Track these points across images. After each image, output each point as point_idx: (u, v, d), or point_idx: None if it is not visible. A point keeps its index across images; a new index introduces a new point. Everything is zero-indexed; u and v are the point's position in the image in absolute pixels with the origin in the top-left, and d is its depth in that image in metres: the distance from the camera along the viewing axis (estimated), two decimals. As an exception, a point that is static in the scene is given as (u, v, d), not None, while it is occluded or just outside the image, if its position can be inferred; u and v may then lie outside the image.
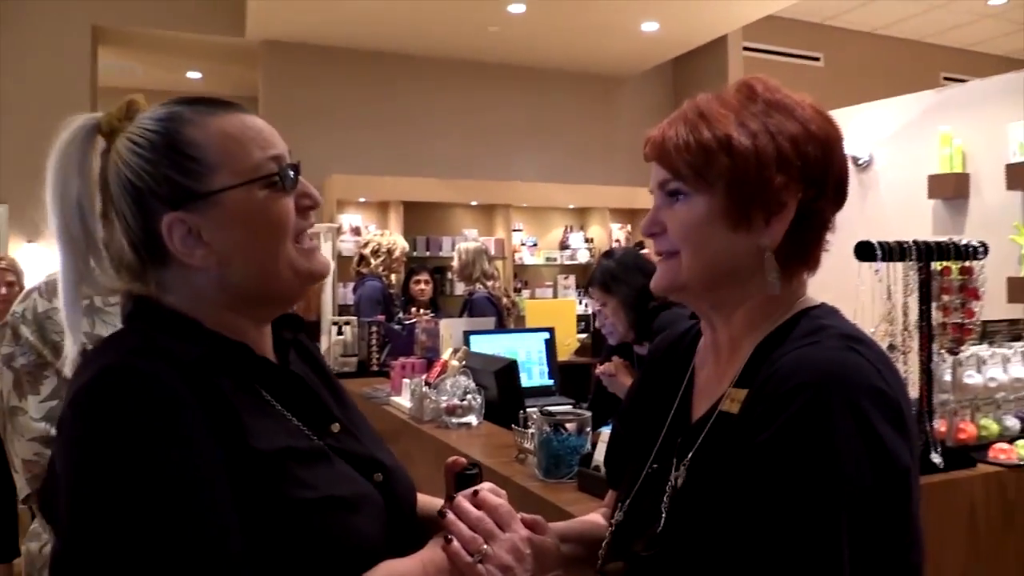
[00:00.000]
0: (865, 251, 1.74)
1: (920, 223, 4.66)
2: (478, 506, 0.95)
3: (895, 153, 4.93)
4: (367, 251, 5.20)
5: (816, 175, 0.92)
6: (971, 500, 1.75)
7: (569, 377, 4.29)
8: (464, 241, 5.70)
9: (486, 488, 0.98)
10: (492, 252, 7.00)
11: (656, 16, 6.08)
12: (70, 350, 0.91)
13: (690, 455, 0.93)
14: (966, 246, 1.86)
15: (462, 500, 0.95)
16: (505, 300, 5.17)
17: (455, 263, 5.18)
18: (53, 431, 1.41)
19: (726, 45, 7.15)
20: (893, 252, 1.74)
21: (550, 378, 3.85)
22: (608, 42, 6.64)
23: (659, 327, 2.22)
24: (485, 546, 0.91)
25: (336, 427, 0.97)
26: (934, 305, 1.83)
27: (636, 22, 6.18)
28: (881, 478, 0.81)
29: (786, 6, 6.18)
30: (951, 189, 4.56)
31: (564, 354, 4.53)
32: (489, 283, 5.02)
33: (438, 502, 1.02)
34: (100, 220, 0.91)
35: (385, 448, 1.05)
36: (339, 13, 5.97)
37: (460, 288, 6.69)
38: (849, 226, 4.15)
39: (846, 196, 0.97)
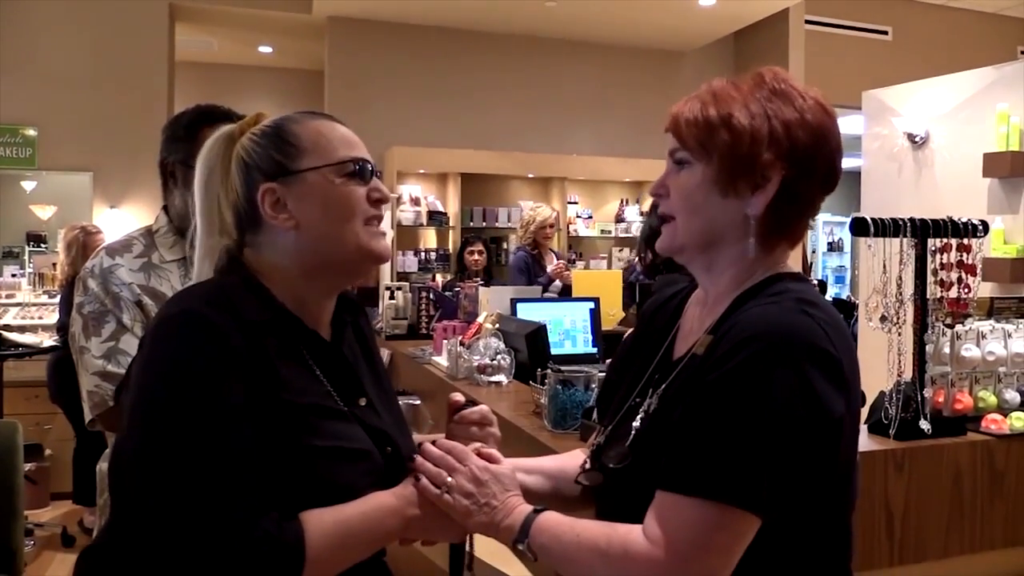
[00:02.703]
0: (860, 226, 1.84)
1: (975, 201, 4.60)
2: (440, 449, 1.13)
3: (952, 130, 4.86)
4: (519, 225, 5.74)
5: (802, 158, 1.05)
6: (957, 466, 1.83)
7: (613, 346, 4.40)
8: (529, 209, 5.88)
9: (482, 409, 1.21)
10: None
11: (713, -9, 6.08)
12: None
13: (663, 387, 1.09)
14: (965, 224, 1.93)
15: (426, 445, 1.13)
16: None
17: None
18: (109, 367, 1.66)
19: (788, 19, 7.07)
20: (887, 228, 1.84)
21: (594, 346, 3.99)
22: (665, 17, 6.65)
23: (656, 288, 2.46)
24: (449, 479, 1.09)
25: (363, 401, 1.15)
26: (931, 280, 1.92)
27: (693, -3, 6.19)
28: (812, 422, 0.94)
29: (850, -21, 6.09)
30: (1007, 168, 4.49)
31: (609, 323, 4.65)
32: None
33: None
34: (225, 204, 1.12)
35: (404, 429, 1.22)
36: (401, -11, 6.15)
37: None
38: (904, 203, 4.23)
39: (836, 182, 1.10)
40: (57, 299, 5.15)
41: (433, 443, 1.14)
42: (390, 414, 1.19)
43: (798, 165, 1.04)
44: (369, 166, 1.13)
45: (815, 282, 2.09)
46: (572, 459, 1.28)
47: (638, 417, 1.10)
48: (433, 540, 1.16)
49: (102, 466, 1.81)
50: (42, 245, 6.43)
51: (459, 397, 1.24)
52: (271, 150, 1.11)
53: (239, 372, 0.99)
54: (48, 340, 4.84)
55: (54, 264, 5.63)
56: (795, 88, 1.07)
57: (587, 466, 1.19)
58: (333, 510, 1.02)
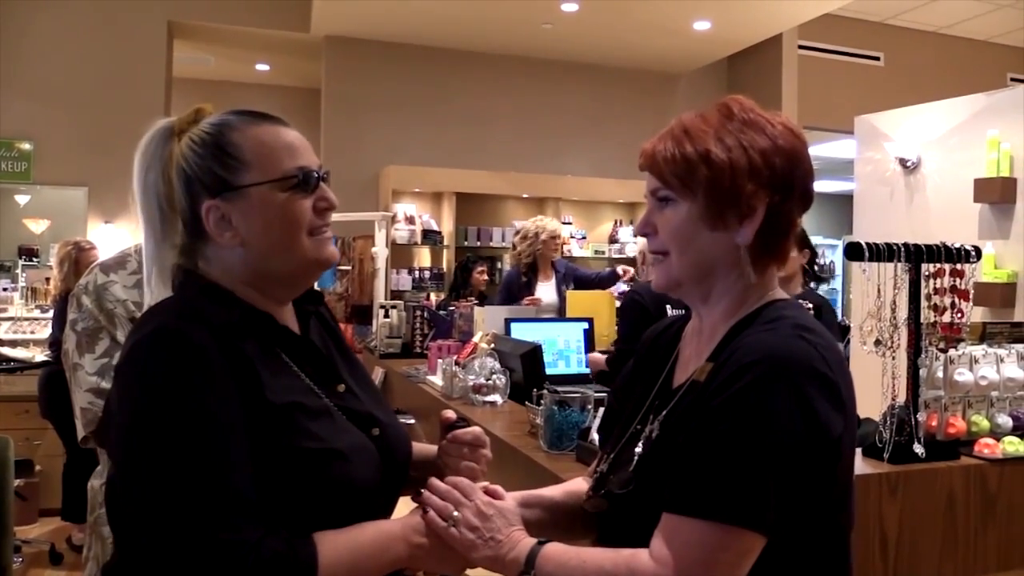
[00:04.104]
0: (854, 251, 1.86)
1: (966, 226, 4.63)
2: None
3: (943, 156, 4.90)
4: (516, 238, 5.18)
5: (782, 183, 1.07)
6: (950, 490, 1.84)
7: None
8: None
9: (475, 431, 1.21)
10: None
11: (708, 15, 6.15)
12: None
13: (664, 413, 1.10)
14: (958, 249, 1.95)
15: (433, 480, 1.14)
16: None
17: None
18: (103, 384, 1.64)
19: (781, 44, 7.15)
20: (881, 253, 1.86)
21: (587, 367, 4.00)
22: (660, 40, 6.72)
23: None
24: (456, 512, 1.09)
25: (342, 387, 1.14)
26: (925, 304, 1.93)
27: (688, 21, 6.25)
28: (813, 442, 0.96)
29: (843, 5, 6.17)
30: (997, 193, 4.53)
31: (602, 344, 4.66)
32: None
33: (432, 448, 1.24)
34: (167, 204, 1.11)
35: (385, 407, 1.23)
36: (399, 11, 6.20)
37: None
38: (896, 227, 4.27)
39: (812, 200, 1.13)
40: (50, 314, 5.13)
41: (441, 478, 1.15)
42: (368, 394, 1.20)
43: (779, 191, 1.07)
44: (315, 174, 1.10)
45: (809, 306, 2.10)
46: (570, 490, 1.29)
47: (640, 443, 1.11)
48: (437, 571, 1.16)
49: (93, 483, 1.80)
50: (34, 259, 6.41)
51: (451, 414, 1.25)
52: (212, 163, 1.08)
53: (224, 382, 0.99)
54: (40, 355, 4.81)
55: (47, 279, 5.61)
56: (763, 116, 1.10)
57: (591, 493, 1.19)
58: (344, 533, 1.02)
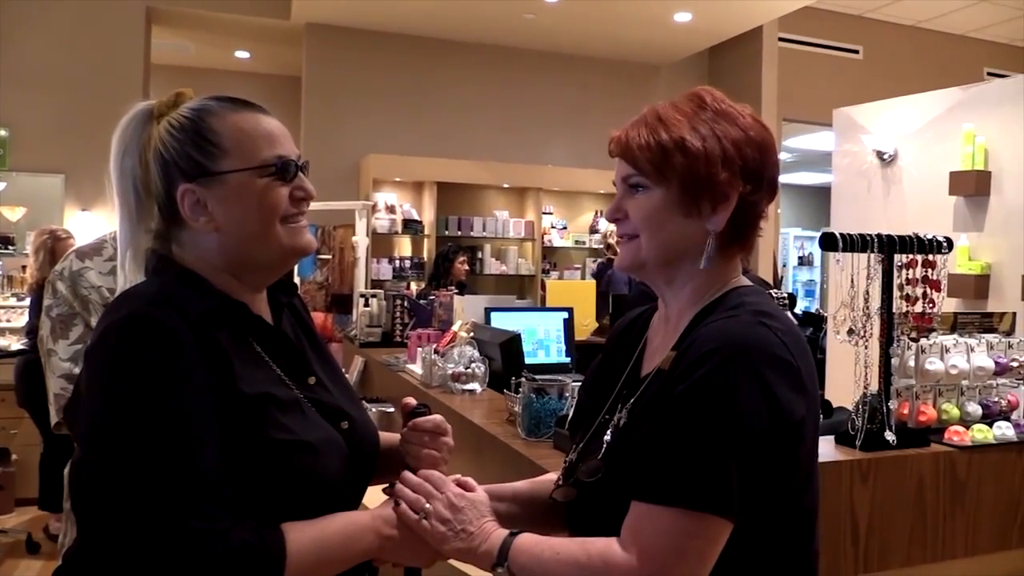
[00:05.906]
0: (828, 241, 1.89)
1: (941, 218, 4.69)
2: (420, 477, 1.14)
3: (919, 149, 4.96)
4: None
5: (753, 173, 1.09)
6: (920, 477, 1.87)
7: (586, 356, 4.42)
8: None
9: (436, 419, 1.21)
10: (522, 234, 7.18)
11: (689, 7, 6.16)
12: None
13: (631, 401, 1.12)
14: (930, 240, 1.98)
15: (406, 473, 1.15)
16: None
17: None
18: (76, 370, 1.65)
19: (761, 36, 7.18)
20: (855, 243, 1.88)
21: (567, 356, 4.01)
22: (641, 31, 6.73)
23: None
24: (427, 505, 1.10)
25: (312, 380, 1.15)
26: (897, 294, 1.96)
27: (669, 13, 6.27)
28: (775, 427, 0.98)
29: (822, -2, 6.22)
30: (972, 186, 4.59)
31: (582, 334, 4.68)
32: None
33: (397, 436, 1.24)
34: (144, 188, 1.11)
35: (355, 401, 1.23)
36: (380, -2, 6.17)
37: (492, 267, 6.90)
38: (873, 219, 4.31)
39: (777, 191, 1.15)
40: (26, 302, 5.08)
41: (413, 471, 1.16)
42: (338, 387, 1.20)
43: (751, 180, 1.09)
44: (293, 164, 1.10)
45: (784, 295, 2.13)
46: (542, 484, 1.30)
47: (608, 432, 1.13)
48: (406, 563, 1.16)
49: (68, 471, 1.80)
50: (10, 247, 6.32)
51: (411, 400, 1.25)
52: (190, 148, 1.07)
53: (196, 370, 0.99)
54: (16, 344, 4.76)
55: (23, 267, 5.55)
56: (734, 107, 1.12)
57: (560, 482, 1.20)
58: (313, 524, 1.03)
